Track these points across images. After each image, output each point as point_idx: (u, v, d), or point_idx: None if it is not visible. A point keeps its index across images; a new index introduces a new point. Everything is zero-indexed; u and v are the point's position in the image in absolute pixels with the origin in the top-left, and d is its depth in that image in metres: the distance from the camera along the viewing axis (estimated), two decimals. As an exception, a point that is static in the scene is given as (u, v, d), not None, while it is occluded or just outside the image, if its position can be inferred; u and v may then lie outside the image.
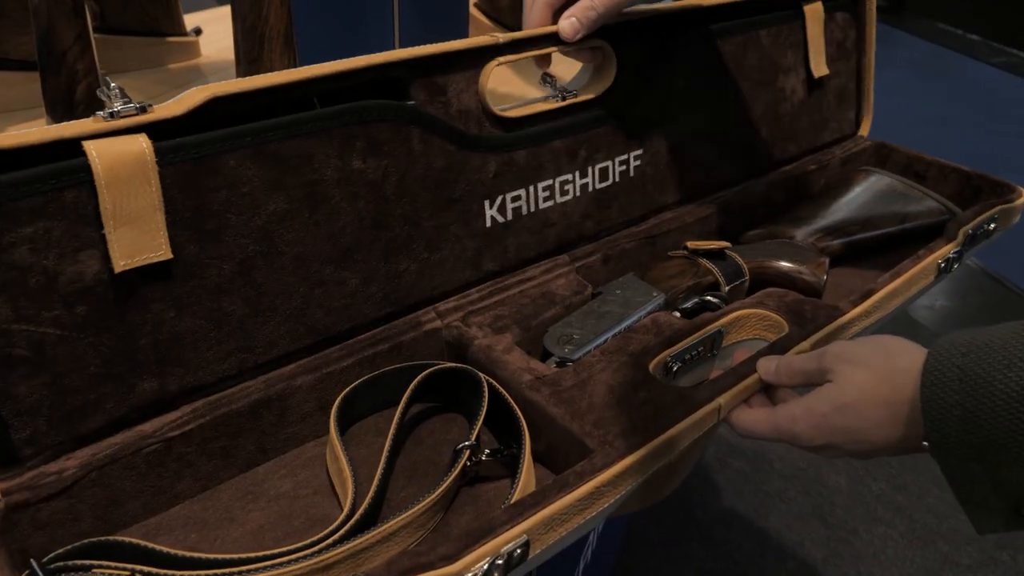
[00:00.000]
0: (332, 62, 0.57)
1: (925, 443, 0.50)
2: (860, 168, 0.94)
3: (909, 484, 1.33)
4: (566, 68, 0.78)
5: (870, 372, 0.52)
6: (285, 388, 0.58)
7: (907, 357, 0.52)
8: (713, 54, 0.83)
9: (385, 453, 0.56)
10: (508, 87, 1.12)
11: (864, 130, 1.04)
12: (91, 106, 0.74)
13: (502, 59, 0.66)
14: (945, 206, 0.88)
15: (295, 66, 0.78)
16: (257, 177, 0.55)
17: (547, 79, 0.72)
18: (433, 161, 0.64)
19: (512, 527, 0.48)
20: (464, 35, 1.16)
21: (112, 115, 0.48)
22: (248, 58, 0.74)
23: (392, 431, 0.58)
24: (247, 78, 0.53)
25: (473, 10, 1.31)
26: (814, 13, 0.92)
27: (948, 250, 0.78)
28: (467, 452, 0.56)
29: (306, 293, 0.59)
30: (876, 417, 0.52)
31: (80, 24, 0.71)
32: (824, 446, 0.55)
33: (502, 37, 0.65)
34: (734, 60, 0.85)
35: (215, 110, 0.52)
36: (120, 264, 0.49)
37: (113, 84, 0.49)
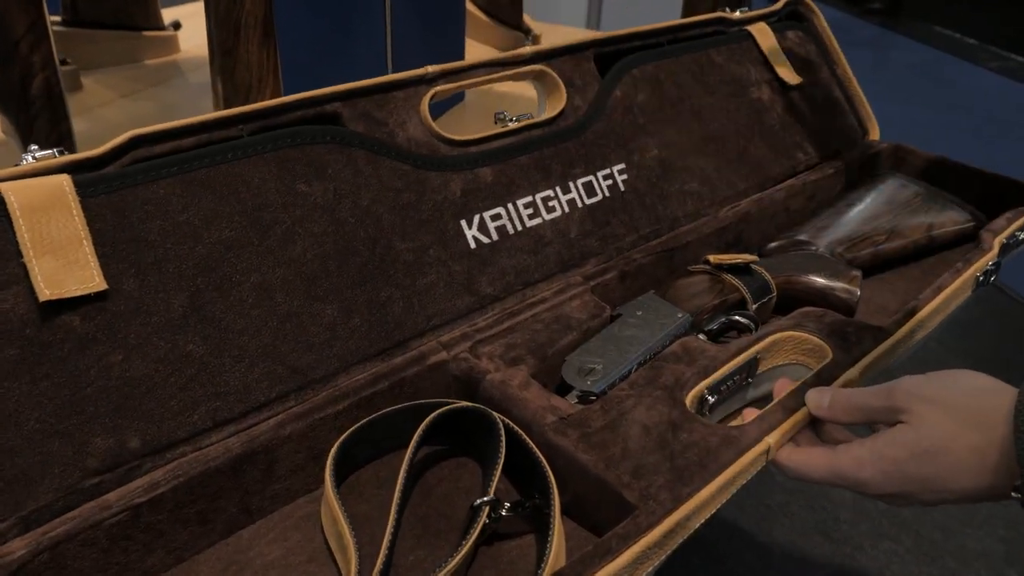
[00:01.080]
0: (262, 102, 0.57)
1: (1015, 494, 0.44)
2: (879, 173, 0.88)
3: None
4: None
5: (953, 414, 0.46)
6: (271, 439, 0.50)
7: (993, 397, 0.45)
8: (665, 72, 0.81)
9: (393, 512, 0.48)
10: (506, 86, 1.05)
11: (874, 135, 0.98)
12: (49, 102, 0.67)
13: (438, 89, 0.65)
14: (972, 214, 0.83)
15: (275, 60, 0.71)
16: (193, 205, 0.52)
17: (499, 116, 0.70)
18: (388, 182, 0.60)
19: (551, 606, 0.40)
20: (460, 30, 1.09)
21: (34, 158, 0.48)
22: (222, 49, 0.66)
23: (400, 484, 0.50)
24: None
25: (470, 5, 1.23)
26: (761, 31, 0.92)
27: (986, 262, 0.72)
28: (486, 509, 0.48)
29: (276, 328, 0.53)
30: (961, 465, 0.45)
31: (35, 11, 0.63)
32: (895, 495, 0.48)
33: (432, 69, 0.65)
34: (692, 76, 0.83)
35: (143, 153, 0.51)
36: (45, 293, 0.45)
37: (34, 145, 0.50)
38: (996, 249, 0.74)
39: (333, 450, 0.51)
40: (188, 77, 1.21)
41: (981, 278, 0.72)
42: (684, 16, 0.84)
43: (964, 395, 0.47)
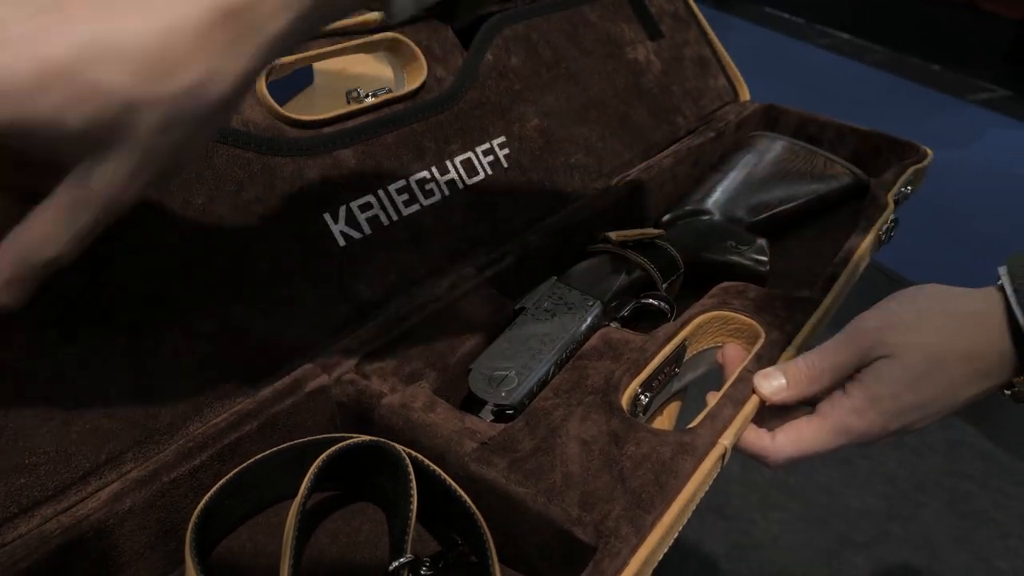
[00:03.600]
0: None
1: (1007, 391, 0.44)
2: (755, 133, 0.84)
3: (798, 464, 1.28)
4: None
5: (932, 329, 0.43)
6: (105, 517, 0.37)
7: (963, 299, 0.44)
8: (537, 32, 0.73)
9: (282, 594, 0.37)
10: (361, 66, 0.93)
11: (744, 95, 0.94)
12: None
13: (273, 64, 0.52)
14: (853, 171, 0.80)
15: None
16: None
17: (352, 94, 0.59)
18: (226, 173, 0.48)
19: None
20: None
21: None
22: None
23: (288, 550, 0.38)
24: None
25: None
26: None
27: (887, 218, 0.69)
28: (405, 573, 0.38)
29: (97, 368, 0.39)
30: (958, 377, 0.43)
31: None
32: (896, 431, 0.45)
33: None
34: (565, 36, 0.75)
35: None
36: None
37: None
38: (891, 205, 0.71)
39: (193, 518, 0.39)
40: None
41: (883, 236, 0.69)
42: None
43: (936, 307, 0.45)
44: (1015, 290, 0.42)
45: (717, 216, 0.71)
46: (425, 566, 0.40)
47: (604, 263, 0.61)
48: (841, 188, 0.80)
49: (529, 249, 0.60)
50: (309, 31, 0.33)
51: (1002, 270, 0.44)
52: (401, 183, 0.57)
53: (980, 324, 0.43)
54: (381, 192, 0.56)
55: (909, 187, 0.77)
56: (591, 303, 0.56)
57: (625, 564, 0.37)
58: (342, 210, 0.53)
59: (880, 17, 3.13)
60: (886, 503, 1.21)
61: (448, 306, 0.54)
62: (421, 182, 0.58)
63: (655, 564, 0.39)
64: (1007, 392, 0.45)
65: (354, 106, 0.57)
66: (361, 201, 0.54)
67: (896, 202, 0.74)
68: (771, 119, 0.91)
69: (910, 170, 0.77)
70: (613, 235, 0.62)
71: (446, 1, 0.60)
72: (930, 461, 1.28)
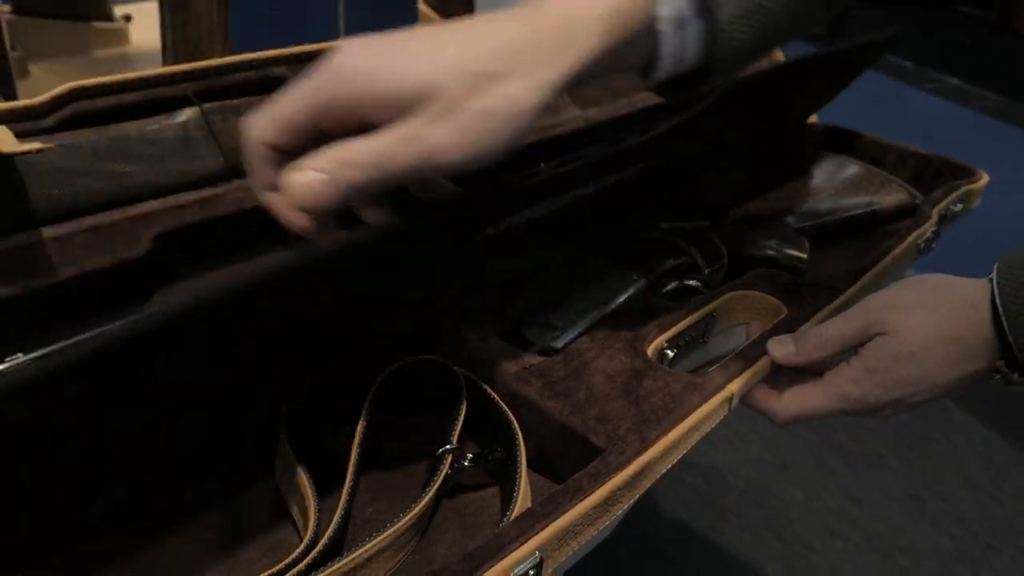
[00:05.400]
0: (205, 62, 0.55)
1: (996, 375, 0.49)
2: (818, 153, 0.90)
3: (863, 496, 1.28)
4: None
5: (927, 312, 0.48)
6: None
7: (959, 288, 0.49)
8: None
9: (353, 459, 0.46)
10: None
11: (812, 118, 1.00)
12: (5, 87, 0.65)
13: None
14: (908, 191, 0.85)
15: (226, 14, 0.69)
16: None
17: None
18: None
19: (523, 544, 0.39)
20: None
21: None
22: (172, 4, 0.64)
23: (358, 438, 0.48)
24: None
25: (421, 5, 1.23)
26: None
27: (926, 229, 0.74)
28: (449, 457, 0.47)
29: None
30: (946, 357, 0.48)
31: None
32: (890, 403, 0.50)
33: None
34: None
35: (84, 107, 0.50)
36: None
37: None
38: (935, 217, 0.76)
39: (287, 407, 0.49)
40: (137, 68, 1.20)
41: (922, 245, 0.74)
42: None
43: (933, 292, 0.50)
44: (999, 284, 0.48)
45: (767, 219, 0.78)
46: (467, 458, 0.48)
47: (653, 247, 0.69)
48: (895, 205, 0.85)
49: (585, 231, 0.69)
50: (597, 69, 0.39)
51: (996, 265, 0.49)
52: None
53: (970, 310, 0.48)
54: None
55: (960, 205, 0.82)
56: (637, 278, 0.64)
57: (628, 463, 0.44)
58: None
59: (993, 62, 3.07)
60: (955, 544, 1.20)
61: (508, 268, 0.63)
62: None
63: (654, 477, 0.46)
64: (996, 376, 0.49)
65: None
66: None
67: (943, 217, 0.79)
68: (835, 140, 0.96)
69: (961, 189, 0.81)
70: (664, 225, 0.70)
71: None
72: (1006, 506, 1.26)
